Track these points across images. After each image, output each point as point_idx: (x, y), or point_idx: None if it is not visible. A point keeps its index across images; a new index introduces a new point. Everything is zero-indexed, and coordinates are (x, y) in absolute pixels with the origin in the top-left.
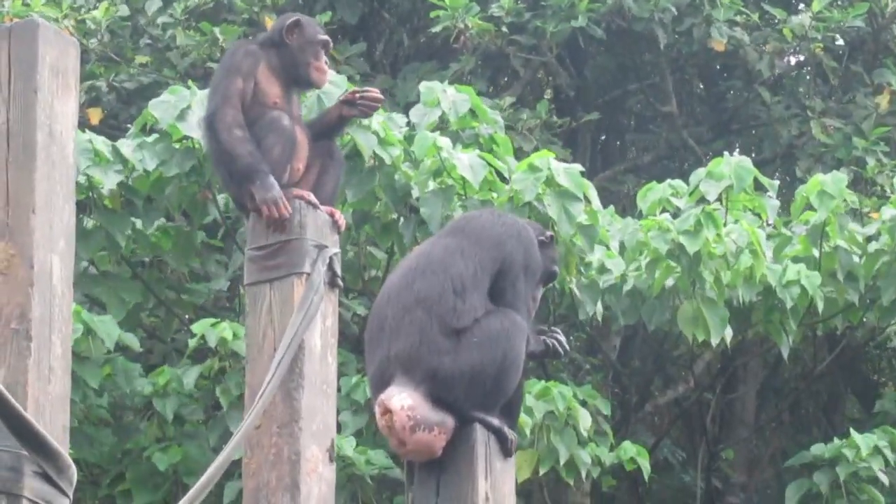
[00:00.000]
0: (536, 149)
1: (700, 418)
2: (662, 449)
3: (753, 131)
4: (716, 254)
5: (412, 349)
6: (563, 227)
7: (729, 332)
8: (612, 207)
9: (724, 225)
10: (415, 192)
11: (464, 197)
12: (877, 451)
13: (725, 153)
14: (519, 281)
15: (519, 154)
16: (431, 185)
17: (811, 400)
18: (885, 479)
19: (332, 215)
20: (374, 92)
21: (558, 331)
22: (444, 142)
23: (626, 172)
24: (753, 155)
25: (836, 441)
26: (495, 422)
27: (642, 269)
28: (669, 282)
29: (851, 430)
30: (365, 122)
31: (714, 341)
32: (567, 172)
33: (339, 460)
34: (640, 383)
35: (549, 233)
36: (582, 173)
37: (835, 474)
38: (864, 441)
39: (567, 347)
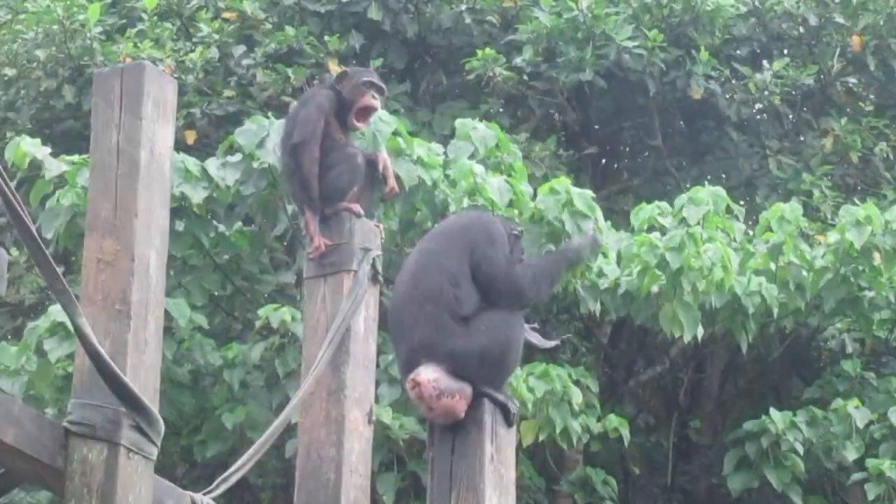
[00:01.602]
0: (546, 175)
1: (674, 393)
2: (641, 417)
3: (722, 163)
4: (694, 267)
5: (431, 337)
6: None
7: (700, 330)
8: (608, 222)
9: (703, 243)
10: (451, 208)
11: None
12: (793, 425)
13: (706, 185)
14: (489, 251)
15: (531, 179)
16: (466, 202)
17: (764, 380)
18: (799, 448)
19: (377, 226)
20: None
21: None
22: (479, 168)
23: (619, 192)
24: (723, 181)
25: (763, 417)
26: (501, 397)
27: (633, 276)
28: (655, 288)
29: (770, 409)
30: (408, 151)
31: (687, 337)
32: (581, 196)
33: (377, 424)
34: (626, 364)
35: (518, 228)
36: (593, 198)
37: (761, 444)
38: (781, 417)
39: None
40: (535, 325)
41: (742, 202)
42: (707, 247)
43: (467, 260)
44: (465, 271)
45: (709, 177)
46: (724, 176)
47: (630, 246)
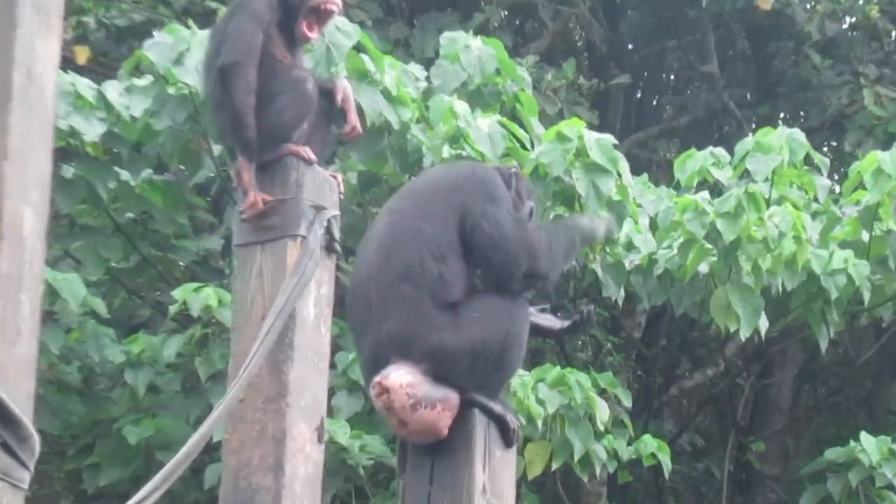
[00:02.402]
0: (561, 112)
1: (731, 405)
2: (686, 438)
3: (800, 97)
4: (756, 238)
5: (406, 327)
6: (590, 204)
7: (764, 323)
8: (644, 176)
9: (768, 206)
10: (427, 160)
11: None
12: (892, 455)
13: (779, 126)
14: (489, 208)
15: (542, 118)
16: (447, 151)
17: (853, 389)
18: None
19: (334, 178)
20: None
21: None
22: (462, 108)
23: (659, 136)
24: (800, 121)
25: (851, 444)
26: (497, 408)
27: (674, 251)
28: (703, 266)
29: (862, 434)
30: (377, 76)
31: (745, 332)
32: (599, 144)
33: (331, 445)
34: (665, 366)
35: (512, 168)
36: (615, 146)
37: (848, 480)
38: (875, 444)
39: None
40: (545, 306)
41: (826, 149)
42: (774, 211)
43: (456, 226)
44: (454, 242)
45: (782, 115)
46: (802, 114)
47: (669, 211)
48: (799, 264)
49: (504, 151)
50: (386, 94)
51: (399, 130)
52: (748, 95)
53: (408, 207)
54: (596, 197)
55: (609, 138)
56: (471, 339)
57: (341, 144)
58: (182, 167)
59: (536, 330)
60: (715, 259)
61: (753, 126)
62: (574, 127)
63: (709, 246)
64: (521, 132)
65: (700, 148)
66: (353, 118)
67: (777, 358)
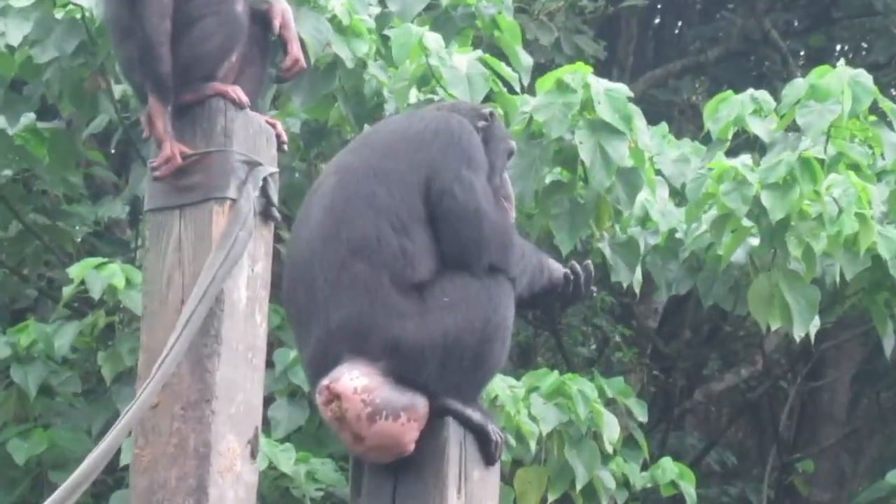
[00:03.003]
0: (558, 42)
1: (772, 413)
2: (715, 455)
3: (860, 26)
4: (809, 214)
5: (361, 315)
6: (597, 173)
7: (816, 322)
8: (664, 126)
9: (825, 174)
10: (390, 106)
11: None
12: None
13: (840, 64)
14: (464, 172)
15: (533, 48)
16: (413, 96)
17: None
18: None
19: (273, 126)
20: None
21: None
22: (434, 41)
23: (683, 74)
24: (861, 57)
25: None
26: (476, 415)
27: (704, 228)
28: (741, 251)
29: None
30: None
31: (798, 333)
32: (609, 96)
33: (268, 472)
34: (689, 363)
35: (486, 109)
36: (630, 99)
37: None
38: None
39: (592, 286)
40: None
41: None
42: (832, 180)
43: (421, 190)
44: (418, 209)
45: (839, 48)
46: (864, 46)
47: (700, 179)
48: (862, 247)
49: (486, 97)
50: (335, 23)
51: (353, 69)
52: (795, 22)
53: (359, 165)
54: (604, 164)
55: (622, 89)
56: (442, 330)
57: (280, 83)
58: (75, 111)
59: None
60: (756, 240)
61: (802, 62)
62: (578, 73)
63: (749, 223)
64: (507, 71)
65: (736, 89)
66: (296, 49)
67: (830, 355)
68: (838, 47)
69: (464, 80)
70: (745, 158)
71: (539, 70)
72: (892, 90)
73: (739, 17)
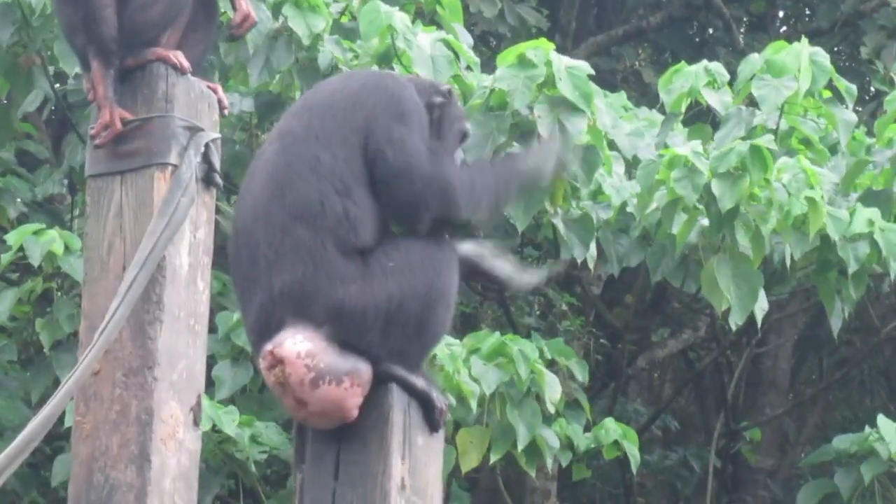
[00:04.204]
0: (502, 13)
1: (717, 380)
2: (660, 422)
3: None
4: (759, 198)
5: (305, 280)
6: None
7: (764, 305)
8: (622, 97)
9: (775, 160)
10: None
11: None
12: None
13: (801, 43)
14: (397, 130)
15: (476, 19)
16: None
17: (868, 359)
18: None
19: (214, 91)
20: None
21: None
22: (402, 21)
23: (624, 40)
24: (806, 21)
25: (867, 430)
26: (420, 382)
27: (656, 208)
28: (692, 234)
29: (880, 417)
30: None
31: (736, 319)
32: (571, 74)
33: (212, 435)
34: (632, 329)
35: (444, 86)
36: (591, 76)
37: (860, 475)
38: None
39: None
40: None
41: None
42: (783, 163)
43: (360, 150)
44: (360, 171)
45: (781, 14)
46: (807, 13)
47: (652, 166)
48: (812, 229)
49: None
50: None
51: (310, 45)
52: None
53: (300, 129)
54: (562, 140)
55: (584, 66)
56: (385, 295)
57: (233, 40)
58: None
59: (474, 272)
60: (706, 221)
61: (744, 29)
62: (540, 50)
63: (700, 207)
64: (468, 54)
65: (678, 57)
66: (244, 4)
67: (773, 323)
68: (780, 14)
69: (428, 61)
70: (696, 145)
71: (481, 42)
72: (837, 57)
73: None
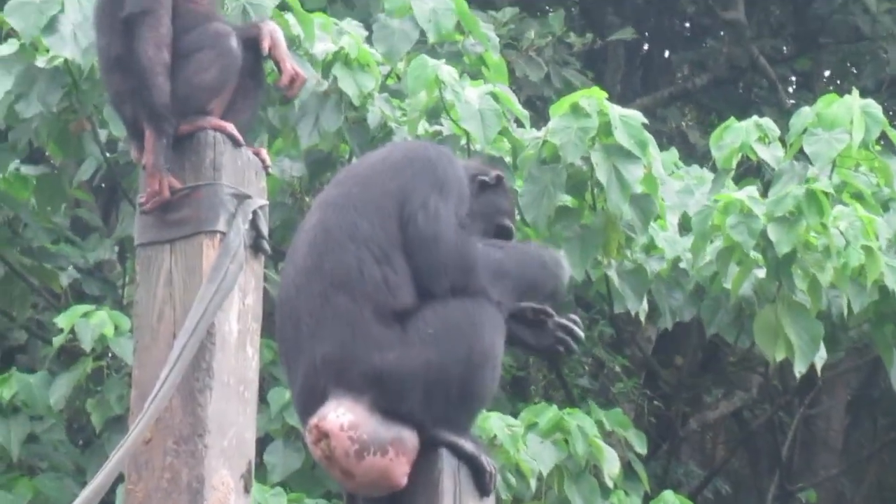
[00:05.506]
0: (547, 76)
1: (767, 441)
2: (711, 486)
3: (850, 49)
4: (815, 247)
5: (344, 348)
6: (612, 196)
7: (822, 354)
8: (674, 154)
9: (831, 206)
10: (398, 138)
11: (468, 149)
12: None
13: (852, 93)
14: (432, 199)
15: (521, 84)
16: (423, 128)
17: None
18: None
19: (257, 154)
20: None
21: (574, 318)
22: (449, 74)
23: (670, 101)
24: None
25: None
26: (468, 445)
27: (709, 259)
28: (747, 284)
29: None
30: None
31: (799, 369)
32: (624, 122)
33: None
34: (685, 388)
35: (495, 172)
36: (645, 125)
37: None
38: None
39: (581, 336)
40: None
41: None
42: (839, 212)
43: (397, 216)
44: (395, 235)
45: (827, 73)
46: (853, 71)
47: (706, 211)
48: (869, 279)
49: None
50: (341, 55)
51: (362, 100)
52: (783, 48)
53: (340, 198)
54: (619, 188)
55: (637, 115)
56: (424, 361)
57: (285, 102)
58: (61, 155)
59: (514, 340)
60: (761, 272)
61: (792, 89)
62: (592, 98)
63: (755, 255)
64: (517, 107)
65: (723, 118)
66: (289, 65)
67: (826, 382)
68: (826, 73)
69: (476, 116)
70: (752, 190)
71: (527, 106)
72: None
73: (726, 45)
